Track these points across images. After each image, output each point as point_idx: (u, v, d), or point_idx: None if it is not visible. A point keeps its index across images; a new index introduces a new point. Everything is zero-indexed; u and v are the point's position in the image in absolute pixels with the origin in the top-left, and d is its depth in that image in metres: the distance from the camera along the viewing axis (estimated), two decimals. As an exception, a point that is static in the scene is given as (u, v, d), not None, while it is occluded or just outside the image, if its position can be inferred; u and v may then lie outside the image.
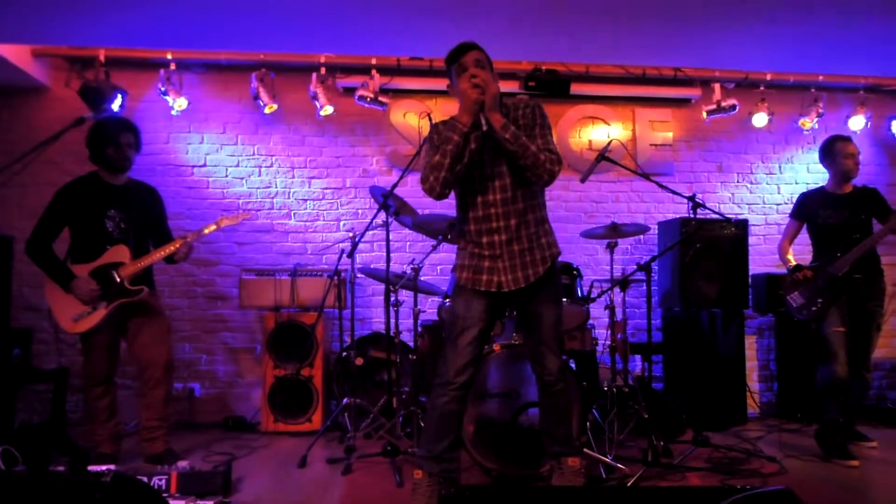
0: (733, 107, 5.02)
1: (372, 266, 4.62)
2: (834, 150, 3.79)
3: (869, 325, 3.66)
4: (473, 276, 2.57)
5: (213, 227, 3.48)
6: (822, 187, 3.91)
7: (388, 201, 3.58)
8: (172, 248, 3.37)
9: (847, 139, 3.80)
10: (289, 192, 4.98)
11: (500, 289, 2.54)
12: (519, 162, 2.46)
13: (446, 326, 2.67)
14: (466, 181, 2.54)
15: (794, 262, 3.82)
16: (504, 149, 2.46)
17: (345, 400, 3.87)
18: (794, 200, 4.02)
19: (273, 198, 4.96)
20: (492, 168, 2.55)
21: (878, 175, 5.36)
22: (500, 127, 2.42)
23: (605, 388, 3.65)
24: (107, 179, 3.37)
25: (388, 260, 3.72)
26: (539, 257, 2.59)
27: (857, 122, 5.14)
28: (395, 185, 3.62)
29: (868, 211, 3.72)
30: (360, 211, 5.00)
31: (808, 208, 3.87)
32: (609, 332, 3.87)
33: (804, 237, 3.95)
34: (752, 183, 5.35)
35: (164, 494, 2.76)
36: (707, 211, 3.69)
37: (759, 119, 5.08)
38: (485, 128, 2.42)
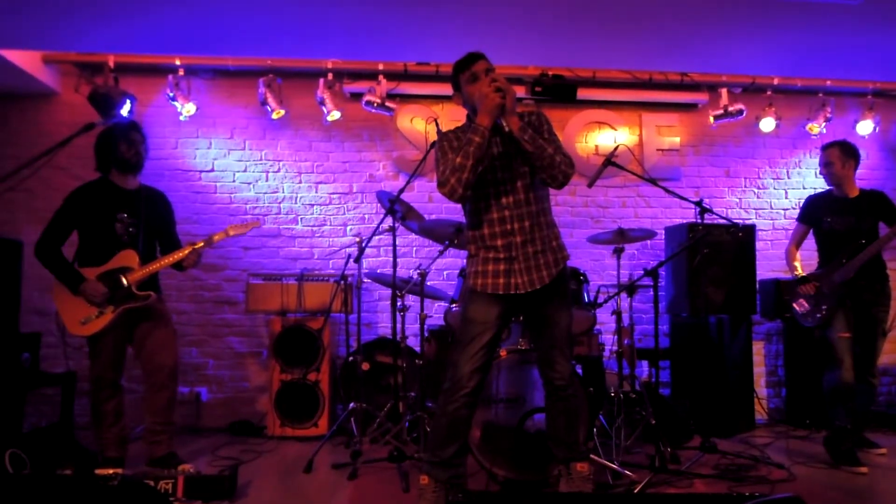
0: (740, 111, 5.01)
1: (378, 271, 4.62)
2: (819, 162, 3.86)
3: (874, 330, 3.63)
4: (491, 281, 2.57)
5: (222, 235, 3.49)
6: (829, 190, 3.88)
7: (394, 206, 3.59)
8: (181, 254, 3.38)
9: (823, 147, 3.80)
10: (296, 197, 4.99)
11: (517, 290, 2.55)
12: (536, 163, 2.50)
13: (457, 331, 2.67)
14: (479, 186, 2.56)
15: (799, 271, 3.80)
16: (522, 150, 2.49)
17: (351, 405, 3.87)
18: (801, 204, 4.01)
19: (280, 203, 4.98)
20: (503, 172, 2.59)
21: (886, 179, 5.34)
22: (519, 129, 2.46)
23: (612, 394, 3.64)
24: (118, 183, 3.38)
25: (395, 265, 3.73)
26: (552, 259, 2.61)
27: (865, 127, 5.12)
28: (401, 191, 3.63)
29: (875, 215, 3.69)
30: (366, 216, 5.01)
31: (813, 212, 3.84)
32: (616, 337, 3.86)
33: (812, 241, 3.93)
34: (759, 188, 5.34)
35: (171, 498, 2.77)
36: (714, 216, 3.68)
37: (767, 124, 5.07)
38: (506, 129, 2.46)
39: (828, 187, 3.90)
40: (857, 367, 3.53)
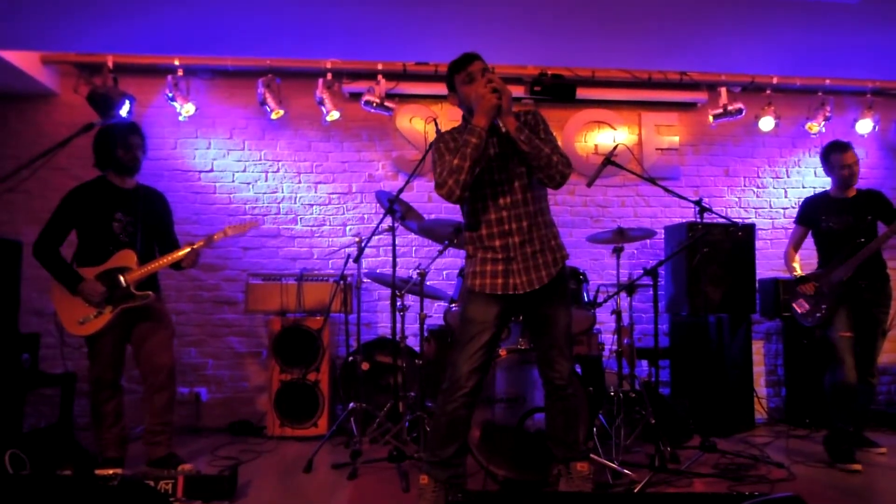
0: (739, 111, 5.01)
1: (378, 271, 4.62)
2: (830, 161, 3.75)
3: (875, 330, 3.62)
4: (489, 281, 2.57)
5: (221, 235, 3.49)
6: (825, 192, 3.88)
7: (394, 206, 3.59)
8: (180, 254, 3.38)
9: (842, 148, 3.72)
10: (295, 197, 4.99)
11: (516, 291, 2.55)
12: (533, 164, 2.50)
13: (456, 331, 2.67)
14: (476, 187, 2.56)
15: (798, 272, 3.79)
16: (519, 151, 2.49)
17: (351, 404, 3.87)
18: (799, 205, 3.99)
19: (279, 203, 4.98)
20: (500, 173, 2.58)
21: (886, 178, 5.33)
22: (515, 129, 2.46)
23: (612, 394, 3.64)
24: (115, 183, 3.38)
25: (395, 265, 3.72)
26: (551, 259, 2.61)
27: (864, 126, 5.12)
28: (401, 190, 3.63)
29: (873, 214, 3.68)
30: (366, 216, 5.01)
31: (811, 214, 3.83)
32: (615, 336, 3.86)
33: (811, 241, 3.93)
34: (758, 187, 5.34)
35: (171, 499, 2.77)
36: (714, 215, 3.68)
37: (766, 123, 5.07)
38: (503, 130, 2.46)
39: (828, 188, 3.89)
40: (858, 367, 3.52)
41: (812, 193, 4.12)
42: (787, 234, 4.22)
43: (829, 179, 3.86)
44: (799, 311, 3.74)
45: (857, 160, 3.72)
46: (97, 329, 3.21)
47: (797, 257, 3.88)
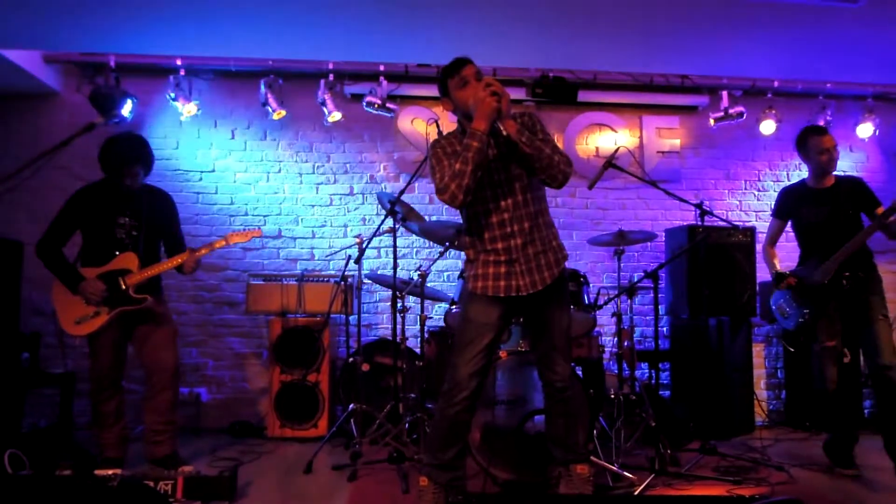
0: (741, 114, 5.01)
1: (379, 272, 4.62)
2: (807, 146, 3.52)
3: (869, 315, 3.33)
4: (492, 283, 2.57)
5: (222, 243, 3.49)
6: (802, 181, 3.66)
7: (395, 207, 3.59)
8: (180, 260, 3.39)
9: (821, 131, 3.52)
10: (296, 198, 4.99)
11: (519, 293, 2.55)
12: (535, 165, 2.49)
13: (456, 334, 2.67)
14: (476, 189, 2.55)
15: (778, 268, 3.62)
16: (520, 153, 2.48)
17: (351, 406, 3.87)
18: (776, 197, 3.77)
19: (281, 203, 4.98)
20: (499, 174, 2.58)
21: (886, 182, 5.33)
22: (516, 132, 2.45)
23: (612, 396, 3.64)
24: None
25: (395, 266, 3.73)
26: (553, 259, 2.61)
27: (865, 130, 5.12)
28: (402, 192, 3.63)
29: (854, 204, 3.46)
30: (367, 217, 5.01)
31: (789, 205, 3.65)
32: (616, 339, 3.86)
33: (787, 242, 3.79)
34: (759, 190, 5.34)
35: (171, 499, 2.76)
36: (714, 218, 3.68)
37: (767, 126, 5.07)
38: (504, 133, 2.45)
39: (803, 178, 3.69)
40: (869, 360, 3.33)
41: (789, 183, 3.91)
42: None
43: None
44: (781, 314, 3.63)
45: (835, 144, 3.50)
46: (93, 330, 3.21)
47: (776, 253, 3.70)
